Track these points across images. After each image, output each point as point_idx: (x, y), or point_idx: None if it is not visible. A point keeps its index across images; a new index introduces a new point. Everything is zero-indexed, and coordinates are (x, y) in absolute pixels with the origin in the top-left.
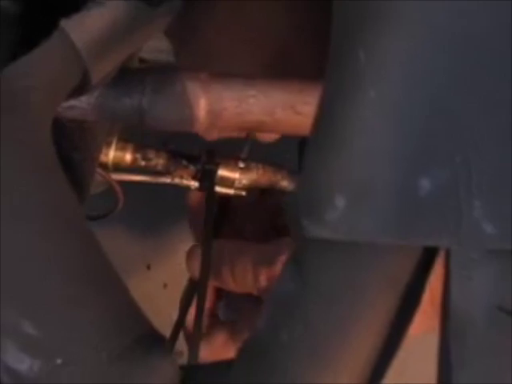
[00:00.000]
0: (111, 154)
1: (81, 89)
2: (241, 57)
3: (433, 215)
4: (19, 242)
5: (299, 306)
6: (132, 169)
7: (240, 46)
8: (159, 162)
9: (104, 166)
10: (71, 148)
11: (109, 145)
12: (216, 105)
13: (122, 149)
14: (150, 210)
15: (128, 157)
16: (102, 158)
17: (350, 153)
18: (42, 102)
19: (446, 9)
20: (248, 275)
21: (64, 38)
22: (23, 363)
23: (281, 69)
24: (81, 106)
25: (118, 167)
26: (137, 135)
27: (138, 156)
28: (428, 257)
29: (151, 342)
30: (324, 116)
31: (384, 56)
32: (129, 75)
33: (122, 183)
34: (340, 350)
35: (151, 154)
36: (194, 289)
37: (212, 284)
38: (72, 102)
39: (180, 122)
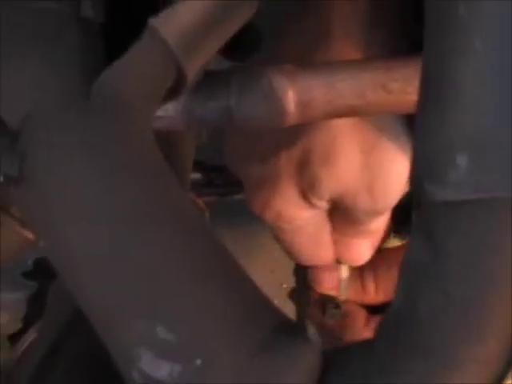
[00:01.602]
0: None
1: (176, 89)
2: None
3: None
4: (147, 247)
5: (435, 275)
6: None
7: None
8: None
9: None
10: None
11: None
12: (304, 95)
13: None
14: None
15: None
16: None
17: (464, 108)
18: (141, 105)
19: None
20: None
21: (155, 37)
22: (162, 369)
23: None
24: (168, 115)
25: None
26: None
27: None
28: None
29: (289, 330)
30: (431, 76)
31: (486, 6)
32: (213, 77)
33: None
34: (484, 317)
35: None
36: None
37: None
38: (159, 113)
39: (270, 118)
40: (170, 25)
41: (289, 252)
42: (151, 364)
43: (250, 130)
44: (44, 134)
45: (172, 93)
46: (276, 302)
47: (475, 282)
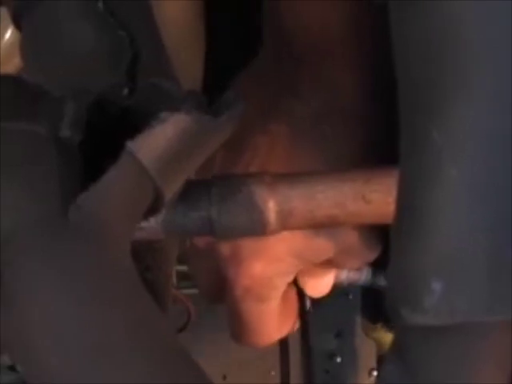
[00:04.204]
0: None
1: (154, 208)
2: None
3: None
4: (122, 378)
5: None
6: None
7: None
8: None
9: None
10: (144, 269)
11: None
12: (285, 205)
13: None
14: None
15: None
16: None
17: (438, 235)
18: (119, 227)
19: None
20: None
21: (132, 160)
22: None
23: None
24: (149, 225)
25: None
26: None
27: None
28: None
29: None
30: (406, 202)
31: (459, 132)
32: (193, 187)
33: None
34: None
35: None
36: None
37: None
38: (140, 223)
39: (251, 229)
40: (146, 148)
41: (247, 335)
42: None
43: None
44: (21, 260)
45: (150, 212)
46: None
47: None
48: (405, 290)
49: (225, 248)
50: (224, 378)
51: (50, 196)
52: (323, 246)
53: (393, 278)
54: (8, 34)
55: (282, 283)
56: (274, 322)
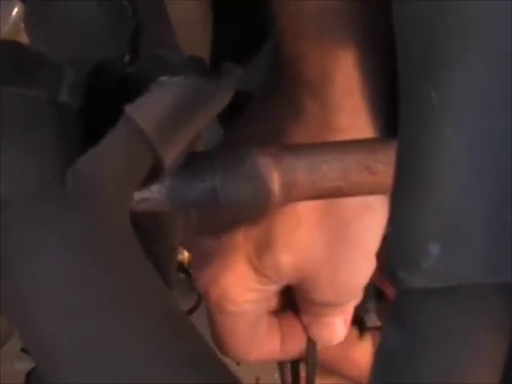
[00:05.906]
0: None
1: (155, 174)
2: None
3: None
4: (120, 338)
5: (408, 361)
6: None
7: None
8: None
9: (180, 264)
10: (147, 243)
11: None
12: (289, 176)
13: None
14: None
15: None
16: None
17: (436, 197)
18: (117, 192)
19: None
20: None
21: (130, 124)
22: None
23: None
24: (153, 197)
25: None
26: None
27: None
28: None
29: None
30: (403, 165)
31: (457, 93)
32: (197, 159)
33: None
34: None
35: None
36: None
37: None
38: (144, 195)
39: (255, 199)
40: (145, 112)
41: (221, 344)
42: None
43: (234, 211)
44: (19, 224)
45: (150, 178)
46: None
47: (447, 369)
48: (403, 252)
49: (196, 251)
50: (238, 363)
51: (47, 162)
52: (281, 262)
53: (391, 241)
54: (15, 10)
55: (238, 297)
56: (245, 341)
